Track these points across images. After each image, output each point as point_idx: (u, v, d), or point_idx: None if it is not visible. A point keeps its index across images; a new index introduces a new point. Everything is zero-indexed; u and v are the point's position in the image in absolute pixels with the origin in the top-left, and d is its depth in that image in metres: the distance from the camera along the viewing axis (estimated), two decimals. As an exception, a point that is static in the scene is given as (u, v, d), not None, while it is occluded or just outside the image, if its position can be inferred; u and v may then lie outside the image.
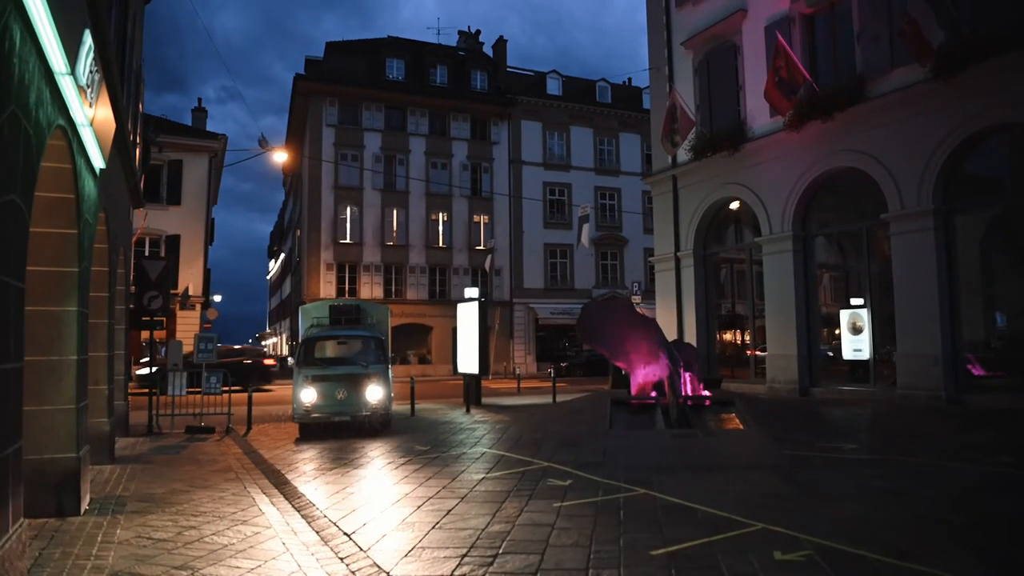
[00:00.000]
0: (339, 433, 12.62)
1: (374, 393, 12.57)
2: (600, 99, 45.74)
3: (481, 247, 40.78)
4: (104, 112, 6.93)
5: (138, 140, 15.25)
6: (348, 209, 39.05)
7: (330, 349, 13.94)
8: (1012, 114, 12.81)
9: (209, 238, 36.18)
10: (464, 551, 5.61)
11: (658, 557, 5.27)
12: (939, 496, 7.02)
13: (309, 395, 12.36)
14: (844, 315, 16.29)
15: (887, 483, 7.70)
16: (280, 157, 29.83)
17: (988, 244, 14.71)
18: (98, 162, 7.27)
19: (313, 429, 12.76)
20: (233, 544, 5.84)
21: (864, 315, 15.80)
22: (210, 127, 40.24)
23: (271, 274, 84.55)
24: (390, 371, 13.67)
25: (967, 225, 14.41)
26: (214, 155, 36.19)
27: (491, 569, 5.15)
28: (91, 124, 6.22)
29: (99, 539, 5.97)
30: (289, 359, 16.96)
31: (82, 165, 6.61)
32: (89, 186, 7.12)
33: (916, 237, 14.30)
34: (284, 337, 62.30)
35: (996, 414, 12.08)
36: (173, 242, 33.35)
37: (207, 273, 36.23)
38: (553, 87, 45.13)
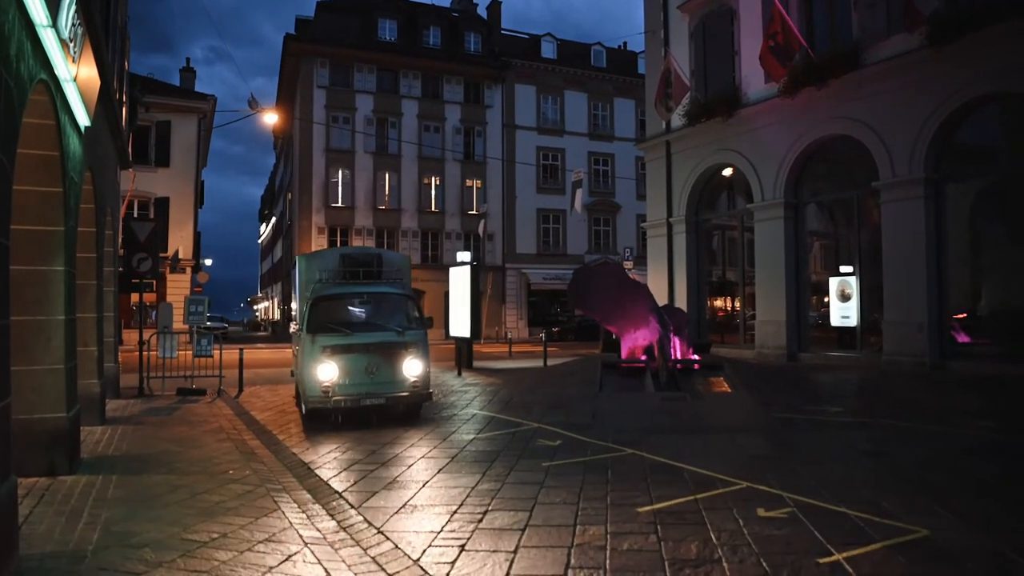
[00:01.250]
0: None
1: (413, 367, 9.76)
2: (595, 63, 45.32)
3: (474, 212, 40.66)
4: (88, 68, 6.83)
5: (124, 99, 15.04)
6: (340, 172, 38.80)
7: (349, 310, 10.54)
8: (1005, 83, 12.75)
9: (199, 201, 35.94)
10: (454, 508, 5.68)
11: (644, 514, 5.36)
12: (921, 458, 7.14)
13: (328, 371, 9.34)
14: (833, 282, 16.37)
15: (871, 445, 7.82)
16: (270, 119, 29.53)
17: (977, 214, 14.74)
18: (83, 119, 7.17)
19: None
20: (224, 502, 5.90)
21: (853, 282, 15.88)
22: (198, 88, 39.75)
23: (262, 238, 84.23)
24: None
25: (957, 194, 14.42)
26: (203, 116, 35.78)
27: (480, 525, 5.22)
28: (75, 80, 6.13)
29: (92, 497, 6.01)
30: (292, 324, 14.13)
31: (66, 122, 6.52)
32: (74, 144, 7.04)
33: (906, 205, 14.31)
34: (275, 301, 62.24)
35: (979, 380, 12.23)
36: (162, 205, 33.13)
37: (197, 236, 36.06)
38: (548, 50, 44.64)
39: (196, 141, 35.16)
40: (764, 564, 4.29)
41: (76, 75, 6.14)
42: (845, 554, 4.40)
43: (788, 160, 16.99)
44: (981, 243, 14.78)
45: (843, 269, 16.50)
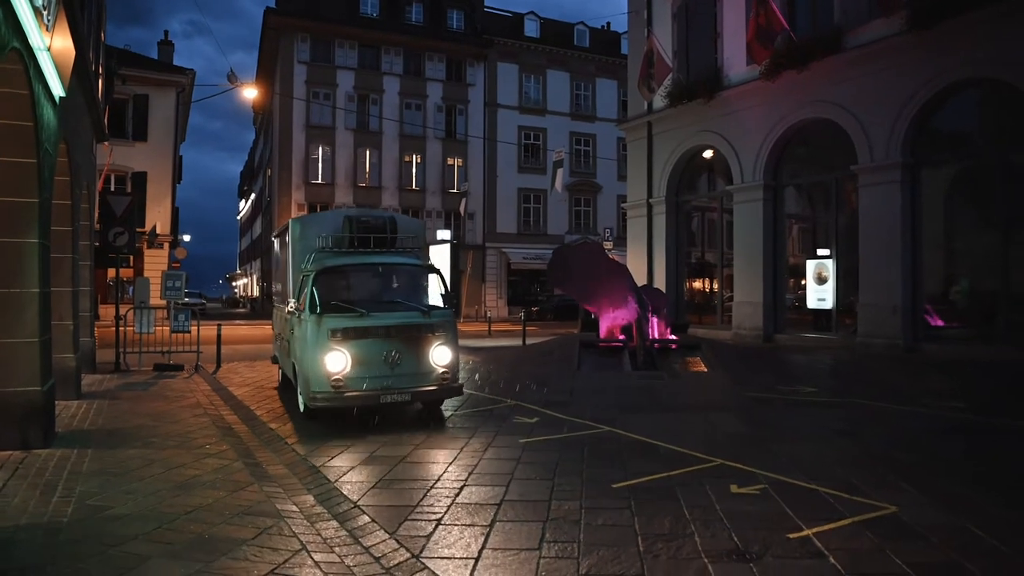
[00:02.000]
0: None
1: (442, 354, 8.18)
2: (578, 43, 45.07)
3: (455, 190, 40.49)
4: (63, 37, 6.70)
5: (100, 71, 14.79)
6: (320, 149, 38.42)
7: (362, 286, 8.85)
8: (982, 70, 12.86)
9: (177, 176, 35.48)
10: (431, 483, 5.73)
11: (619, 489, 5.44)
12: (891, 437, 7.28)
13: (339, 361, 7.70)
14: (810, 265, 16.52)
15: (843, 425, 7.96)
16: (250, 94, 29.17)
17: (952, 199, 14.92)
18: (57, 90, 7.05)
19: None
20: (200, 476, 5.90)
21: (829, 265, 16.04)
22: (177, 62, 39.00)
23: (241, 214, 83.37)
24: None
25: (933, 179, 14.57)
26: (181, 90, 35.22)
27: (457, 499, 5.27)
28: (48, 49, 6.02)
29: (67, 470, 5.99)
30: (283, 301, 10.30)
31: (40, 92, 6.41)
32: (48, 114, 6.93)
33: (883, 189, 14.45)
34: (255, 278, 61.80)
35: (950, 362, 12.45)
36: (140, 179, 32.59)
37: (175, 212, 35.63)
38: (531, 29, 44.32)
39: (174, 115, 34.62)
40: (735, 539, 4.38)
41: (50, 44, 6.03)
42: (815, 529, 4.50)
43: (768, 142, 17.07)
44: (954, 228, 14.96)
45: (820, 252, 16.66)
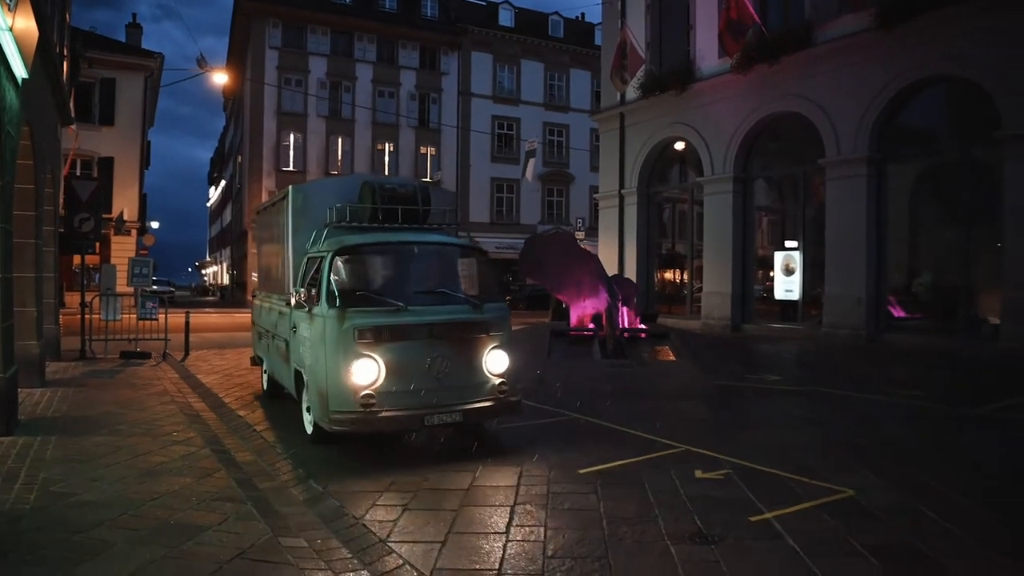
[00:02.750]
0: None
1: (498, 360, 6.49)
2: (552, 33, 45.05)
3: (427, 179, 40.31)
4: (25, 17, 6.57)
5: (66, 53, 14.48)
6: (291, 136, 38.07)
7: (390, 271, 6.95)
8: (948, 67, 13.11)
9: (145, 162, 34.91)
10: (399, 470, 5.75)
11: (585, 475, 5.51)
12: (852, 424, 7.46)
13: (369, 371, 5.98)
14: (778, 256, 16.76)
15: (806, 412, 8.13)
16: (220, 79, 28.67)
17: (917, 194, 15.22)
18: (20, 71, 6.91)
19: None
20: (167, 463, 5.86)
21: (797, 257, 16.28)
22: (145, 46, 38.31)
23: (211, 201, 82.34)
24: None
25: (899, 174, 14.86)
26: (150, 75, 34.61)
27: (424, 486, 5.31)
28: (11, 29, 5.91)
29: (29, 458, 5.91)
30: (294, 293, 6.97)
31: (2, 73, 6.29)
32: (10, 96, 6.80)
33: (850, 183, 14.69)
34: (225, 266, 61.09)
35: (911, 352, 12.74)
36: (106, 164, 32.04)
37: (143, 198, 35.09)
38: (505, 18, 44.19)
39: (142, 100, 34.02)
40: (698, 522, 4.47)
41: (12, 24, 5.93)
42: (775, 513, 4.61)
43: (739, 135, 17.24)
44: (919, 223, 15.28)
45: (788, 244, 16.90)
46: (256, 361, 9.88)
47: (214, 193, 77.89)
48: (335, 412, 5.95)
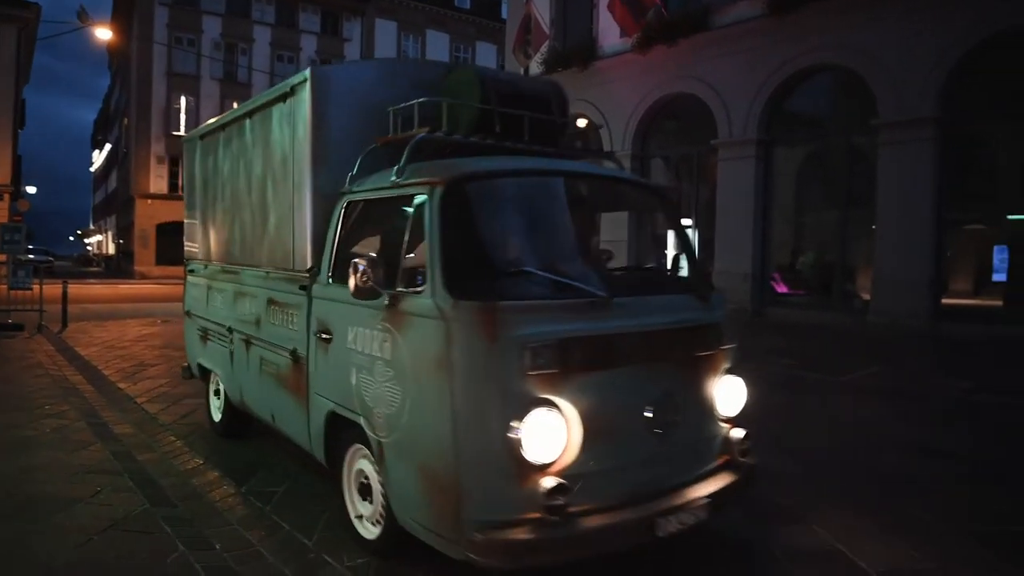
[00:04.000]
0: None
1: (734, 393, 3.91)
2: (459, 4, 44.66)
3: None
4: None
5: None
6: (183, 99, 36.37)
7: (543, 227, 3.70)
8: (833, 56, 13.79)
9: (19, 122, 32.48)
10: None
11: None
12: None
13: (555, 435, 2.92)
14: (671, 234, 17.29)
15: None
16: (104, 35, 26.90)
17: (802, 176, 16.01)
18: None
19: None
20: (37, 436, 5.58)
21: (690, 235, 16.88)
22: (18, -6, 35.44)
23: (95, 166, 77.61)
24: None
25: (786, 157, 15.59)
26: (24, 27, 32.05)
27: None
28: None
29: None
30: (326, 269, 3.84)
31: None
32: None
33: (740, 164, 15.32)
34: (110, 235, 57.90)
35: (792, 326, 13.51)
36: (-27, 122, 29.66)
37: (17, 160, 32.64)
38: (411, -14, 43.44)
39: (15, 54, 31.46)
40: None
41: None
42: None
43: (637, 114, 17.64)
44: (803, 204, 16.09)
45: (684, 222, 17.45)
46: (191, 373, 6.47)
47: (98, 157, 73.38)
48: (483, 525, 2.85)
